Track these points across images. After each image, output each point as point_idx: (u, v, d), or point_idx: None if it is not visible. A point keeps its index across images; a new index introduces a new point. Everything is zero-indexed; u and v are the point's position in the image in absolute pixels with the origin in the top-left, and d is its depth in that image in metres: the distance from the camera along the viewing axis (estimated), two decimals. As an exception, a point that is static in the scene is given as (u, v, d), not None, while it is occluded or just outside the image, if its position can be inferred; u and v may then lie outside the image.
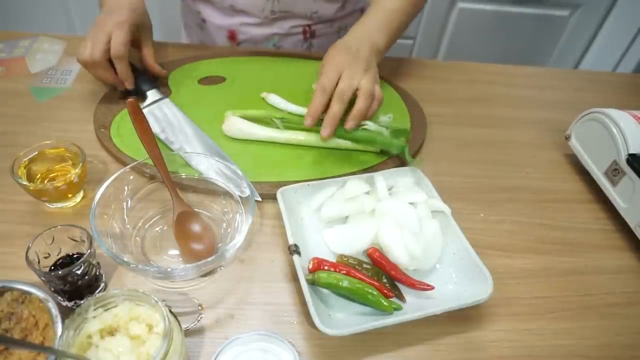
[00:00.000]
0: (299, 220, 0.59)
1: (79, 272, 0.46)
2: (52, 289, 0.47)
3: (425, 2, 0.83)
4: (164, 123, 0.71)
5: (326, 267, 0.52)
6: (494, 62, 1.01)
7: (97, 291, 0.50)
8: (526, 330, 0.53)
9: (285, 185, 0.60)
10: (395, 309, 0.50)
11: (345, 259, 0.55)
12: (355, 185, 0.60)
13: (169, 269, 0.49)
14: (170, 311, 0.41)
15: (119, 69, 0.71)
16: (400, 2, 0.77)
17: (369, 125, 0.68)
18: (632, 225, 0.63)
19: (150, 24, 0.78)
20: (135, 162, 0.58)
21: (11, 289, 0.47)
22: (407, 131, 0.72)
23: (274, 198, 0.59)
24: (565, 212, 0.68)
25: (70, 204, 0.60)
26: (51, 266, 0.48)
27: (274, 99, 0.78)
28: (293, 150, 0.70)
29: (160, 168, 0.57)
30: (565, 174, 0.75)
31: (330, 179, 0.62)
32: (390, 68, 0.90)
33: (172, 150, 0.67)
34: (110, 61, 0.70)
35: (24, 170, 0.58)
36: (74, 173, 0.56)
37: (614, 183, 0.67)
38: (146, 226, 0.58)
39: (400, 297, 0.53)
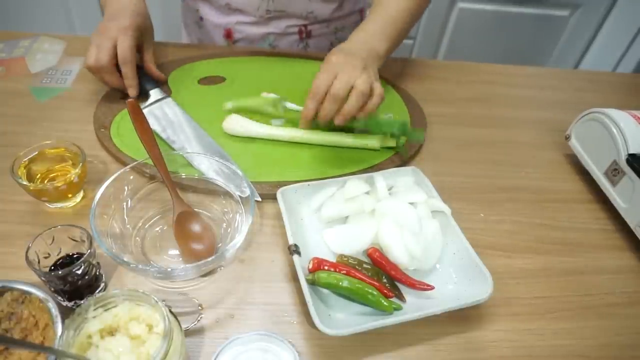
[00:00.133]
0: (299, 220, 0.59)
1: (79, 272, 0.46)
2: (52, 289, 0.47)
3: (429, 2, 0.82)
4: (166, 122, 0.72)
5: (326, 267, 0.52)
6: (494, 62, 1.01)
7: (97, 291, 0.50)
8: (526, 330, 0.53)
9: (285, 185, 0.60)
10: (395, 309, 0.50)
11: (345, 259, 0.55)
12: (355, 185, 0.60)
13: (169, 269, 0.49)
14: (170, 311, 0.41)
15: (126, 74, 0.71)
16: (405, 3, 0.76)
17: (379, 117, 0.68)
18: (632, 225, 0.63)
19: (152, 28, 0.78)
20: (135, 162, 0.58)
21: (11, 289, 0.47)
22: (421, 130, 0.73)
23: (274, 198, 0.59)
24: (565, 212, 0.68)
25: (70, 204, 0.60)
26: (51, 266, 0.48)
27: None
28: (293, 149, 0.70)
29: (160, 168, 0.57)
30: (565, 174, 0.75)
31: (330, 179, 0.62)
32: (390, 68, 0.90)
33: (173, 149, 0.67)
34: (115, 66, 0.71)
35: (24, 170, 0.58)
36: (74, 173, 0.56)
37: (614, 183, 0.67)
38: (146, 226, 0.58)
39: (400, 297, 0.53)
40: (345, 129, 0.71)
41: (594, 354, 0.52)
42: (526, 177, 0.73)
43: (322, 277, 0.51)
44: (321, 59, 0.70)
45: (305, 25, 0.94)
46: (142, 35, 0.75)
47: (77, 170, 0.57)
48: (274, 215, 0.62)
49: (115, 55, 0.70)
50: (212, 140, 0.69)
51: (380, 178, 0.62)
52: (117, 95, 0.76)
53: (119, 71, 0.72)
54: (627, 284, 0.59)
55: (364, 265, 0.54)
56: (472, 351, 0.50)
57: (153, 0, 0.79)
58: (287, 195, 0.59)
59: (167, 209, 0.58)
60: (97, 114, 0.73)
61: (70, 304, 0.49)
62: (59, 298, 0.48)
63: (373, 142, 0.70)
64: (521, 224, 0.65)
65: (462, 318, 0.53)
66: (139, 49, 0.76)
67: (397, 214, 0.57)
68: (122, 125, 0.71)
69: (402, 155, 0.70)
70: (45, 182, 0.58)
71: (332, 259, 0.55)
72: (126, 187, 0.57)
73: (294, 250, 0.53)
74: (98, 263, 0.50)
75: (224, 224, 0.58)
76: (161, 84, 0.79)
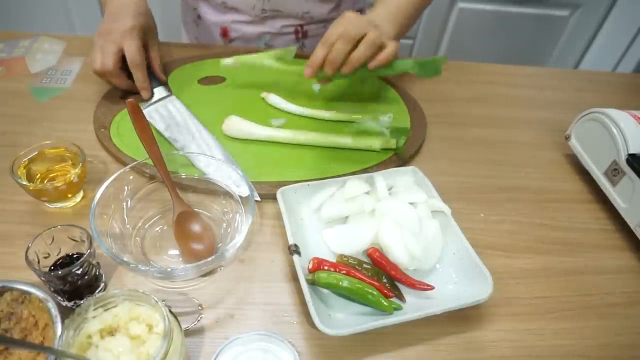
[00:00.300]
0: (299, 220, 0.59)
1: (78, 272, 0.46)
2: (52, 289, 0.47)
3: None
4: (169, 121, 0.72)
5: (326, 267, 0.52)
6: (494, 62, 1.01)
7: (97, 291, 0.50)
8: (526, 330, 0.53)
9: (285, 185, 0.60)
10: (395, 309, 0.50)
11: (345, 259, 0.55)
12: (355, 185, 0.60)
13: (169, 269, 0.49)
14: (170, 311, 0.41)
15: (138, 77, 0.72)
16: None
17: (368, 122, 0.68)
18: (632, 225, 0.63)
19: (155, 25, 0.78)
20: (135, 162, 0.58)
21: (11, 289, 0.47)
22: (406, 130, 0.72)
23: (274, 198, 0.59)
24: (565, 212, 0.68)
25: (70, 204, 0.60)
26: (51, 266, 0.48)
27: (274, 99, 0.78)
28: (293, 150, 0.70)
29: (160, 168, 0.57)
30: (565, 174, 0.75)
31: (330, 179, 0.62)
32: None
33: (175, 148, 0.68)
34: (121, 68, 0.71)
35: (24, 170, 0.58)
36: (73, 173, 0.56)
37: (613, 183, 0.67)
38: (146, 226, 0.58)
39: (400, 297, 0.53)
40: (357, 94, 0.71)
41: (594, 354, 0.52)
42: (526, 177, 0.73)
43: (322, 277, 0.51)
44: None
45: (301, 25, 0.94)
46: (146, 34, 0.74)
47: (77, 170, 0.56)
48: (274, 215, 0.62)
49: (120, 59, 0.70)
50: (214, 139, 0.69)
51: (380, 178, 0.62)
52: (116, 95, 0.76)
53: (126, 73, 0.72)
54: (627, 284, 0.59)
55: (364, 265, 0.54)
56: (472, 351, 0.50)
57: (153, 0, 0.78)
58: (287, 195, 0.59)
59: (167, 209, 0.58)
60: (97, 114, 0.73)
61: (70, 304, 0.49)
62: (59, 298, 0.48)
63: (374, 143, 0.70)
64: (521, 224, 0.65)
65: (462, 318, 0.53)
66: (143, 48, 0.76)
67: (397, 214, 0.57)
68: (122, 125, 0.71)
69: (402, 156, 0.70)
70: (45, 182, 0.58)
71: (332, 259, 0.55)
72: (126, 187, 0.57)
73: (294, 250, 0.53)
74: (98, 263, 0.50)
75: (224, 224, 0.58)
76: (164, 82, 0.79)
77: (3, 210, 0.59)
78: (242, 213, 0.56)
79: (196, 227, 0.56)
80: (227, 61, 0.76)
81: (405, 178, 0.64)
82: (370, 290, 0.50)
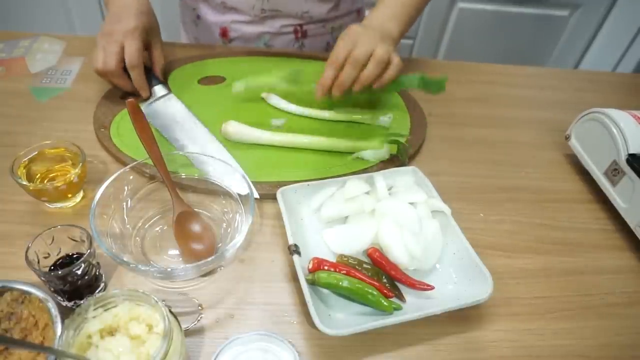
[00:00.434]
0: (299, 220, 0.59)
1: (78, 272, 0.46)
2: (52, 289, 0.47)
3: None
4: (169, 120, 0.72)
5: (326, 267, 0.52)
6: (494, 62, 1.01)
7: (97, 291, 0.50)
8: (526, 330, 0.53)
9: (285, 185, 0.60)
10: (395, 309, 0.50)
11: (345, 259, 0.55)
12: (355, 185, 0.60)
13: (169, 269, 0.49)
14: (170, 311, 0.41)
15: (135, 77, 0.72)
16: None
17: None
18: (632, 225, 0.63)
19: (158, 25, 0.78)
20: (135, 162, 0.58)
21: (11, 289, 0.47)
22: (405, 136, 0.72)
23: (274, 198, 0.59)
24: (565, 212, 0.68)
25: (70, 204, 0.60)
26: (51, 266, 0.48)
27: (274, 99, 0.78)
28: (293, 152, 0.70)
29: (160, 168, 0.57)
30: (565, 174, 0.75)
31: (330, 179, 0.62)
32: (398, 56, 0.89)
33: (174, 147, 0.68)
34: (123, 69, 0.71)
35: (24, 170, 0.58)
36: (73, 173, 0.56)
37: (613, 183, 0.67)
38: (146, 226, 0.58)
39: (400, 297, 0.53)
40: (360, 102, 0.72)
41: (594, 354, 0.52)
42: (526, 177, 0.73)
43: (322, 277, 0.51)
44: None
45: (300, 25, 0.94)
46: (149, 34, 0.74)
47: (76, 170, 0.56)
48: (273, 215, 0.62)
49: (122, 59, 0.70)
50: (214, 138, 0.69)
51: (380, 178, 0.62)
52: (116, 95, 0.76)
53: (127, 73, 0.72)
54: (627, 284, 0.59)
55: (364, 265, 0.54)
56: (472, 351, 0.50)
57: (153, 0, 0.78)
58: (287, 195, 0.59)
59: (167, 209, 0.58)
60: (97, 114, 0.73)
61: (70, 304, 0.49)
62: (59, 298, 0.48)
63: (376, 145, 0.70)
64: (521, 224, 0.65)
65: (462, 318, 0.53)
66: (146, 47, 0.76)
67: (397, 214, 0.57)
68: (122, 125, 0.71)
69: (401, 158, 0.70)
70: (45, 182, 0.58)
71: (332, 259, 0.55)
72: (126, 187, 0.57)
73: (294, 250, 0.53)
74: (98, 263, 0.50)
75: (224, 224, 0.58)
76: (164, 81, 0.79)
77: (3, 210, 0.59)
78: (242, 213, 0.56)
79: (196, 227, 0.56)
80: (238, 87, 0.76)
81: (405, 178, 0.64)
82: (370, 290, 0.50)
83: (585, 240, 0.64)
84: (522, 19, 1.76)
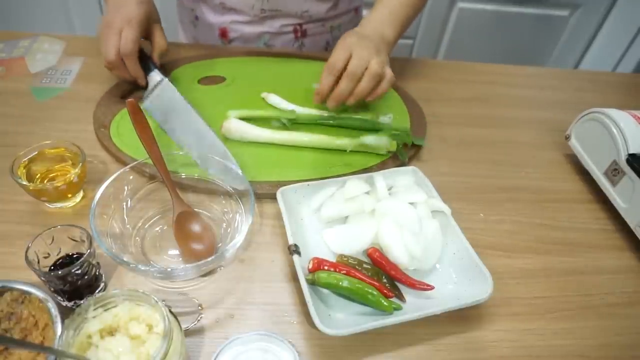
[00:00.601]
0: (299, 220, 0.59)
1: (78, 272, 0.46)
2: (52, 289, 0.47)
3: None
4: (166, 113, 0.71)
5: (326, 267, 0.52)
6: (494, 62, 1.01)
7: (97, 291, 0.50)
8: (526, 330, 0.53)
9: (285, 185, 0.60)
10: (395, 309, 0.50)
11: (345, 259, 0.55)
12: (355, 185, 0.60)
13: (169, 269, 0.49)
14: (170, 311, 0.41)
15: (128, 66, 0.72)
16: None
17: (366, 139, 0.69)
18: (632, 225, 0.63)
19: (157, 13, 0.78)
20: (135, 162, 0.58)
21: (11, 289, 0.47)
22: (407, 131, 0.72)
23: (273, 198, 0.59)
24: (565, 212, 0.68)
25: (70, 204, 0.60)
26: (51, 266, 0.48)
27: (274, 99, 0.78)
28: (293, 151, 0.70)
29: (160, 168, 0.57)
30: (565, 174, 0.75)
31: (330, 179, 0.62)
32: (390, 68, 0.89)
33: (173, 141, 0.68)
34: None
35: (24, 170, 0.58)
36: (73, 173, 0.56)
37: (614, 183, 0.67)
38: (146, 226, 0.58)
39: (400, 297, 0.53)
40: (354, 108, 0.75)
41: (594, 354, 0.52)
42: (526, 177, 0.73)
43: (322, 277, 0.51)
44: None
45: (300, 25, 0.94)
46: (149, 22, 0.74)
47: (76, 170, 0.56)
48: (273, 215, 0.62)
49: None
50: (212, 133, 0.69)
51: (380, 178, 0.62)
52: (116, 95, 0.76)
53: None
54: (627, 284, 0.59)
55: (364, 265, 0.54)
56: (472, 351, 0.50)
57: None
58: (287, 195, 0.59)
59: (167, 209, 0.58)
60: (97, 114, 0.73)
61: (70, 304, 0.49)
62: (59, 298, 0.48)
63: (378, 147, 0.70)
64: (521, 224, 0.65)
65: (462, 318, 0.53)
66: (147, 36, 0.76)
67: (397, 214, 0.57)
68: (121, 125, 0.71)
69: (401, 158, 0.70)
70: (45, 182, 0.58)
71: (332, 259, 0.55)
72: (126, 187, 0.57)
73: (294, 250, 0.53)
74: (98, 263, 0.50)
75: (224, 224, 0.58)
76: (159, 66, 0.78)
77: (3, 210, 0.59)
78: (242, 213, 0.56)
79: (196, 227, 0.56)
80: (231, 115, 0.75)
81: (405, 178, 0.64)
82: (370, 290, 0.50)
83: (585, 240, 0.64)
84: (522, 19, 1.76)
